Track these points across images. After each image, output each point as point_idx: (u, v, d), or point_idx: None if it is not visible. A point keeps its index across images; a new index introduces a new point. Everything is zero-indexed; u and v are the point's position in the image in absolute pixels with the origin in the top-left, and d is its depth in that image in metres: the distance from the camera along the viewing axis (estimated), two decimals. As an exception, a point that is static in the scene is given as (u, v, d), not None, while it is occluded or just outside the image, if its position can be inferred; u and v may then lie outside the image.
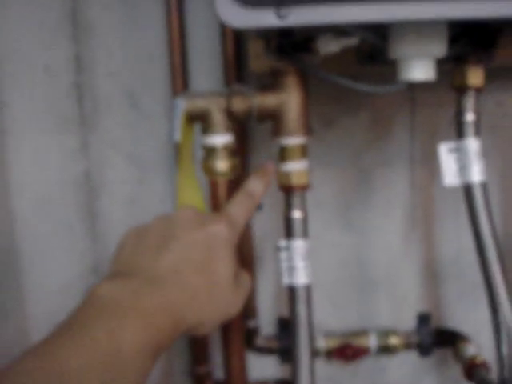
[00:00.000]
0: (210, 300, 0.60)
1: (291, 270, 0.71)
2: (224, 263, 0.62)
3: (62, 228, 1.01)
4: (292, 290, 0.72)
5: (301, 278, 0.71)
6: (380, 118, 0.97)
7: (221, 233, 0.62)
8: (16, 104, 0.96)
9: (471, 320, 1.02)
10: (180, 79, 0.94)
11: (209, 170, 0.72)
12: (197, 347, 1.01)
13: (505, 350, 0.73)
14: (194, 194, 0.76)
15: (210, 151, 0.71)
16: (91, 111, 0.98)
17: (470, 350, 0.94)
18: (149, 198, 1.00)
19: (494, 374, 0.91)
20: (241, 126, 0.93)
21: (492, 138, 0.97)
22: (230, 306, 0.63)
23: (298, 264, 0.71)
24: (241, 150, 0.94)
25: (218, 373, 1.04)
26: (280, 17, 0.55)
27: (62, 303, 1.03)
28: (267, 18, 0.55)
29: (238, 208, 0.67)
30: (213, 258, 0.61)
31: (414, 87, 0.95)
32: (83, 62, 0.97)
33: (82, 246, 1.02)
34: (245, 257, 0.93)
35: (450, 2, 0.55)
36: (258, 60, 0.85)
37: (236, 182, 0.92)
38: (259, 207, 0.96)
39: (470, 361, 0.92)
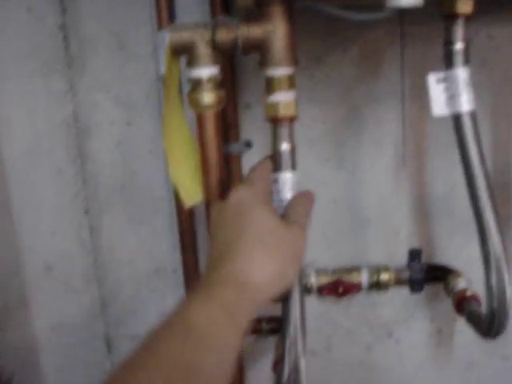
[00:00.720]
0: (270, 252, 0.59)
1: (281, 202, 0.71)
2: (257, 215, 0.61)
3: (51, 172, 1.01)
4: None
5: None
6: (369, 54, 0.96)
7: (241, 196, 0.63)
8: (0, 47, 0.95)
9: (462, 256, 1.02)
10: (166, 16, 0.92)
11: (195, 103, 0.71)
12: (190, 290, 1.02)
13: (494, 281, 0.74)
14: (181, 128, 0.75)
15: (196, 84, 0.70)
16: (77, 53, 0.97)
17: (461, 283, 0.95)
18: (137, 139, 0.99)
19: (484, 308, 0.92)
20: (228, 59, 0.92)
21: (483, 71, 0.95)
22: (290, 247, 0.61)
23: (288, 196, 0.70)
24: (229, 84, 0.93)
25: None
26: None
27: (55, 247, 1.04)
28: None
29: (255, 172, 0.69)
30: (245, 219, 0.61)
31: (404, 21, 0.93)
32: (67, 2, 0.95)
33: (73, 189, 1.02)
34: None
35: None
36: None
37: (224, 117, 0.92)
38: (248, 144, 0.96)
39: (460, 294, 0.93)
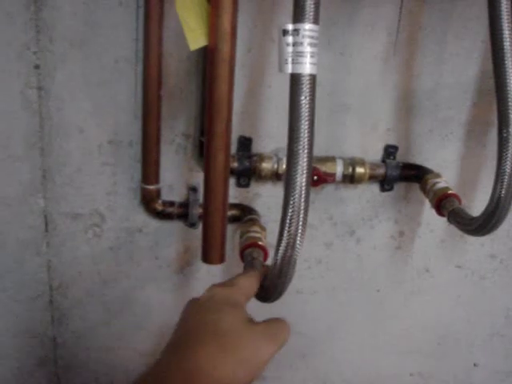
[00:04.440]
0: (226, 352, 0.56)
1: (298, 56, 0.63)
2: (224, 313, 0.60)
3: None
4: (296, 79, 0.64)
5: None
6: None
7: (216, 292, 0.63)
8: None
9: (437, 156, 0.99)
10: None
11: None
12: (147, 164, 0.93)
13: (508, 167, 0.70)
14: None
15: None
16: None
17: (441, 183, 0.91)
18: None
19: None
20: None
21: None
22: (251, 353, 0.57)
23: (306, 50, 0.62)
24: None
25: (167, 193, 0.96)
26: None
27: None
28: None
29: (240, 277, 0.68)
30: (212, 314, 0.60)
31: None
32: None
33: (23, 39, 0.88)
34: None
35: None
36: None
37: None
38: None
39: (441, 192, 0.89)
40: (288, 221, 0.63)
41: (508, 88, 0.69)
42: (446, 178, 0.96)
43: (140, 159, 0.93)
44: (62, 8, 0.87)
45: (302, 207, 0.63)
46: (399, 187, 1.00)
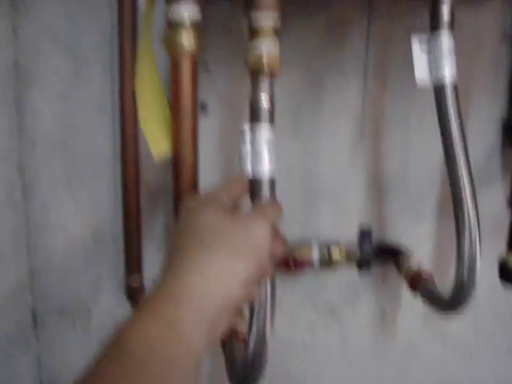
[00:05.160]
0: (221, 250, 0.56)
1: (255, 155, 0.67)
2: (201, 216, 0.59)
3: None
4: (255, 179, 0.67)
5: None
6: (335, 24, 0.93)
7: (188, 204, 0.63)
8: None
9: (411, 234, 1.01)
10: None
11: (172, 46, 0.65)
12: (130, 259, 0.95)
13: (466, 250, 0.72)
14: (152, 75, 0.70)
15: (175, 23, 0.65)
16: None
17: (414, 263, 0.94)
18: (84, 91, 0.92)
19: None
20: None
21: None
22: (245, 241, 0.57)
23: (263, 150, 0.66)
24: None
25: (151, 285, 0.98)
26: None
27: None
28: None
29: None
30: (190, 223, 0.60)
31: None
32: None
33: (8, 143, 0.93)
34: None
35: None
36: None
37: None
38: (203, 107, 0.91)
39: (415, 273, 0.92)
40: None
41: (459, 173, 0.73)
42: (421, 255, 0.98)
43: (123, 254, 0.95)
44: (43, 113, 0.92)
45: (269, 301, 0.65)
46: (377, 266, 1.02)
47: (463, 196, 0.72)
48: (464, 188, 0.72)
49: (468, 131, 0.96)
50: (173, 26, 0.65)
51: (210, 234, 0.56)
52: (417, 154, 0.98)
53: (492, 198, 1.00)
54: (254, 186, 0.67)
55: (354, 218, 1.00)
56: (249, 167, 0.67)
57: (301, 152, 0.96)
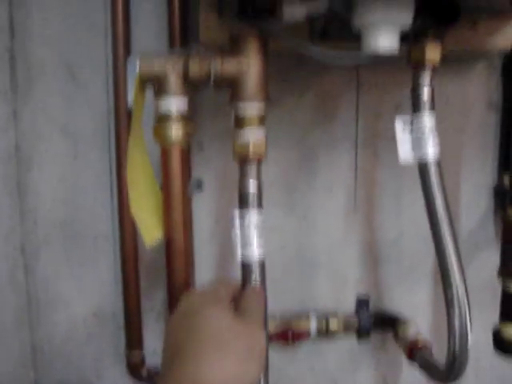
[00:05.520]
0: (224, 350, 0.56)
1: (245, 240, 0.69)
2: (207, 314, 0.60)
3: (-14, 204, 0.94)
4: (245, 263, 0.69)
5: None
6: (325, 100, 0.96)
7: (192, 299, 0.64)
8: None
9: (408, 302, 1.02)
10: (122, 50, 0.89)
11: (162, 137, 0.68)
12: (130, 332, 0.97)
13: (456, 324, 0.73)
14: (143, 163, 0.72)
15: (164, 116, 0.67)
16: (24, 78, 0.92)
17: (411, 332, 0.95)
18: (83, 173, 0.95)
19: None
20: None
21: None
22: (247, 344, 0.58)
23: (252, 235, 0.68)
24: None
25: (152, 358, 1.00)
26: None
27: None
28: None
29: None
30: (195, 319, 0.60)
31: (359, 69, 0.95)
32: (17, 25, 0.90)
33: (9, 224, 0.95)
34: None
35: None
36: (209, 31, 0.82)
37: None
38: (199, 185, 0.93)
39: (412, 343, 0.92)
40: None
41: (446, 251, 0.74)
42: (419, 323, 0.99)
43: (123, 328, 0.97)
44: (43, 194, 0.95)
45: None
46: (376, 334, 1.02)
47: (451, 273, 0.74)
48: (451, 264, 0.74)
49: (460, 199, 0.99)
50: (161, 119, 0.68)
51: (217, 339, 0.57)
52: (410, 223, 1.00)
53: (488, 264, 1.00)
54: (243, 269, 0.69)
55: (351, 287, 1.01)
56: (239, 251, 0.69)
57: (295, 226, 0.99)
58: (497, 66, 0.97)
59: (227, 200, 0.96)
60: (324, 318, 0.97)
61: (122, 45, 0.89)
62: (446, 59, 0.92)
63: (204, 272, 0.97)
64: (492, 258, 0.99)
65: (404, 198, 0.99)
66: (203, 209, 0.96)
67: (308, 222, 0.99)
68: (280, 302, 0.99)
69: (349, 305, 1.00)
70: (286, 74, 0.93)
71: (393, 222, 1.00)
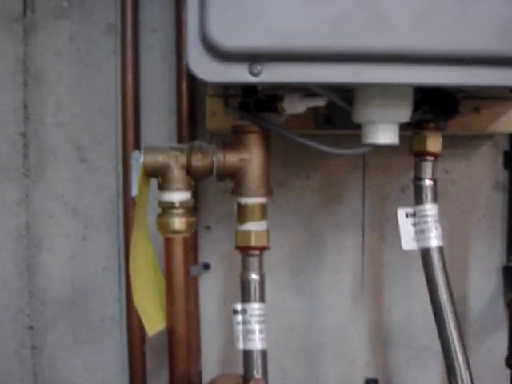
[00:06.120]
0: None
1: (247, 333, 0.69)
2: None
3: (-4, 283, 0.96)
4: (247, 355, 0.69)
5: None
6: (331, 182, 0.97)
7: None
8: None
9: (418, 385, 1.01)
10: (132, 133, 0.92)
11: (164, 228, 0.69)
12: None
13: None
14: (147, 253, 0.73)
15: (167, 208, 0.68)
16: (36, 162, 0.94)
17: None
18: (92, 255, 0.96)
19: None
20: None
21: (439, 204, 0.97)
22: None
23: (255, 328, 0.68)
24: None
25: None
26: (253, 74, 0.54)
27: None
28: (240, 74, 0.55)
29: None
30: None
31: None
32: (31, 110, 0.93)
33: (18, 303, 0.96)
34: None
35: (423, 68, 0.55)
36: (215, 118, 0.84)
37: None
38: (206, 266, 0.94)
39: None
40: None
41: (450, 340, 0.73)
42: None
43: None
44: (52, 274, 0.96)
45: None
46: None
47: (455, 362, 0.73)
48: (456, 353, 0.73)
49: (470, 281, 0.99)
50: (164, 210, 0.69)
51: None
52: (419, 304, 0.99)
53: (498, 345, 0.99)
54: (246, 361, 0.69)
55: (360, 371, 1.00)
56: (241, 344, 0.69)
57: (303, 308, 0.98)
58: (502, 147, 0.98)
59: (235, 281, 0.96)
60: (332, 403, 0.96)
61: (131, 129, 0.91)
62: (451, 142, 0.94)
63: (210, 352, 0.97)
64: (501, 339, 0.98)
65: (412, 278, 0.98)
66: (210, 290, 0.96)
67: (315, 303, 0.99)
68: (288, 384, 0.99)
69: (358, 388, 0.99)
70: (293, 155, 0.95)
71: (401, 304, 0.99)
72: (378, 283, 0.99)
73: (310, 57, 0.54)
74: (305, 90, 0.65)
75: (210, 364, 0.97)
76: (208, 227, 0.96)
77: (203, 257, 0.96)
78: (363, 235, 0.98)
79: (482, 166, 0.99)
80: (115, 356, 0.98)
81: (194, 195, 0.91)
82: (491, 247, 1.00)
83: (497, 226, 1.00)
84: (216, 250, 0.96)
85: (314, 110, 0.84)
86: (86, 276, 0.96)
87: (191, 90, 0.92)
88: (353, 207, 0.97)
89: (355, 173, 0.97)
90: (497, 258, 1.00)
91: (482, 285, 1.00)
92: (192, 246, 0.94)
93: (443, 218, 0.97)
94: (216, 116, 0.83)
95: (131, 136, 0.92)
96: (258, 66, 0.54)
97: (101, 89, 0.94)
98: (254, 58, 0.54)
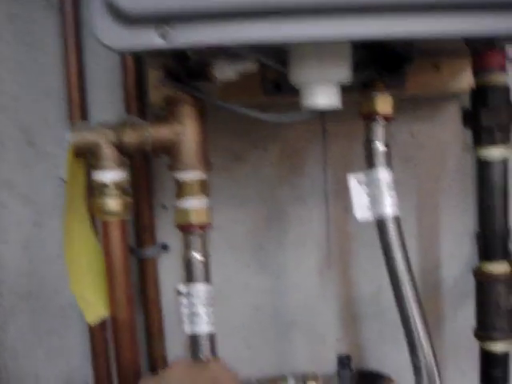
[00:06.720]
0: None
1: (193, 316, 0.65)
2: None
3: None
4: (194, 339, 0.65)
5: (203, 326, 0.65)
6: (291, 152, 0.93)
7: None
8: None
9: (392, 360, 0.97)
10: (78, 114, 0.88)
11: (98, 210, 0.65)
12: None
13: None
14: (85, 237, 0.69)
15: (99, 189, 0.65)
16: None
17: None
18: (46, 241, 0.92)
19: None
20: (143, 159, 0.87)
21: (407, 169, 0.94)
22: None
23: (200, 311, 0.65)
24: (144, 185, 0.88)
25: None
26: (163, 37, 0.50)
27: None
28: (150, 39, 0.50)
29: None
30: None
31: (325, 118, 0.91)
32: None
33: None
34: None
35: (354, 20, 0.51)
36: (158, 91, 0.80)
37: (138, 219, 0.86)
38: (164, 247, 0.90)
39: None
40: None
41: (409, 316, 0.70)
42: (404, 380, 0.93)
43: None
44: (7, 265, 0.92)
45: None
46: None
47: (416, 339, 0.69)
48: (416, 329, 0.70)
49: (443, 247, 0.95)
50: (97, 190, 0.65)
51: None
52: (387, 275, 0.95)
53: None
54: (193, 345, 0.65)
55: (331, 347, 0.97)
56: (187, 327, 0.65)
57: (268, 286, 0.95)
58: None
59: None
60: (303, 380, 0.92)
61: (78, 111, 0.88)
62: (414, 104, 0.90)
63: (174, 336, 0.93)
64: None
65: (380, 250, 0.94)
66: (170, 271, 0.93)
67: (281, 279, 0.95)
68: (256, 366, 0.95)
69: (329, 365, 0.95)
70: (249, 126, 0.90)
71: (371, 276, 0.96)
72: (346, 255, 0.95)
73: (222, 14, 0.50)
74: (231, 55, 0.60)
75: (175, 348, 0.93)
76: (164, 206, 0.92)
77: (160, 237, 0.92)
78: (327, 207, 0.93)
79: (449, 127, 0.95)
80: (78, 345, 0.95)
81: (146, 174, 0.89)
82: (463, 211, 0.96)
83: (468, 189, 0.96)
84: (173, 230, 0.91)
85: (262, 77, 0.80)
86: (41, 264, 0.93)
87: (137, 64, 0.87)
88: (315, 178, 0.93)
89: (315, 141, 0.92)
90: (470, 222, 0.96)
91: (456, 250, 0.96)
92: (148, 227, 0.90)
93: (412, 183, 0.94)
94: (159, 89, 0.79)
95: (78, 116, 0.88)
96: (167, 28, 0.50)
97: (45, 69, 0.90)
98: (162, 20, 0.50)
